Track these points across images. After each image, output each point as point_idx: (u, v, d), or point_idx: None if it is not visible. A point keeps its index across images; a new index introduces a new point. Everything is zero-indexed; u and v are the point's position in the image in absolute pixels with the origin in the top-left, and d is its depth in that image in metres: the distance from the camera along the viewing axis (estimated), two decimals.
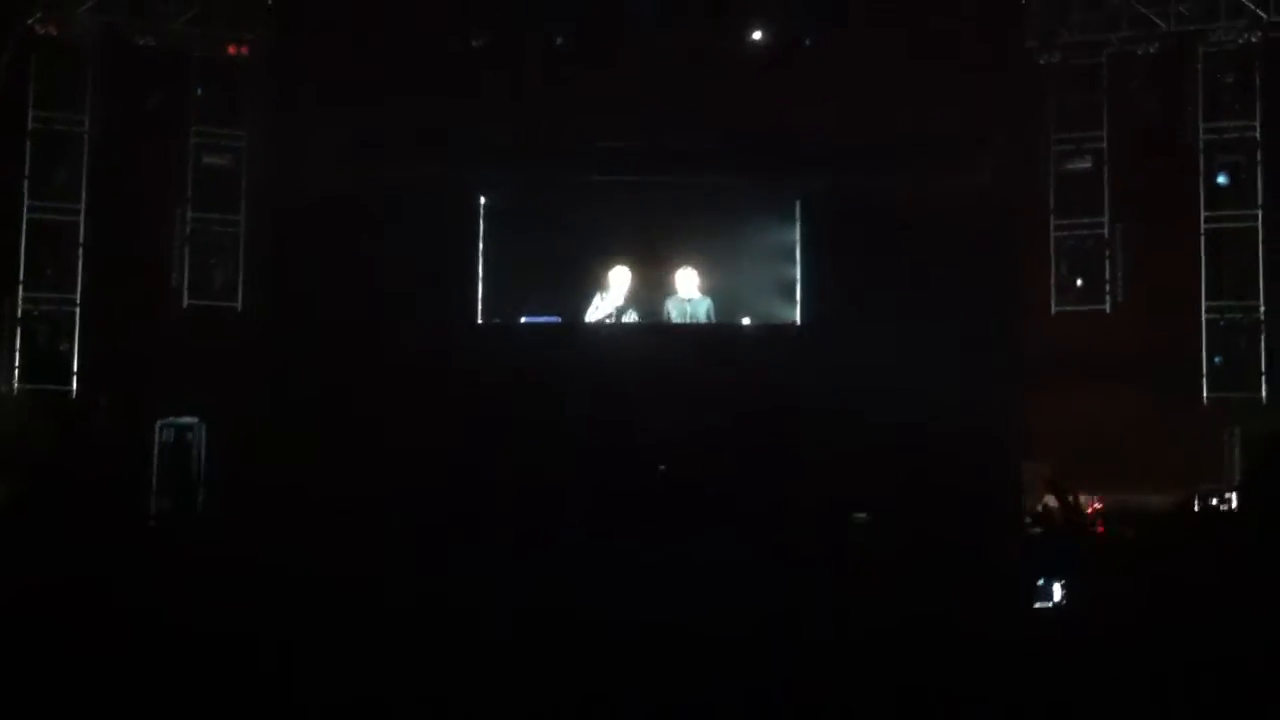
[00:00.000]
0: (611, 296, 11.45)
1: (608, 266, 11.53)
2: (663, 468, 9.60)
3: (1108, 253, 12.41)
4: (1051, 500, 8.23)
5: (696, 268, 11.63)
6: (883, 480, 10.09)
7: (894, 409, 10.61)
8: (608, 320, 11.38)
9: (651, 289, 11.66)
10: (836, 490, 9.74)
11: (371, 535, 7.82)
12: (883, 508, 9.53)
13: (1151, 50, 12.40)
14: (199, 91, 12.23)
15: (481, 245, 12.18)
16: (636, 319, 11.45)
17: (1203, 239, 12.06)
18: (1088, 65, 12.64)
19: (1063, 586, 6.78)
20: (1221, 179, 12.00)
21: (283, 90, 12.22)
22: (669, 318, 11.55)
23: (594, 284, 11.55)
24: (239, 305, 12.14)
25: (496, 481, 9.91)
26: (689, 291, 11.57)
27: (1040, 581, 6.95)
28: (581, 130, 12.28)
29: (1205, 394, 11.79)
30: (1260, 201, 11.97)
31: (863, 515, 9.59)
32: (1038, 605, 6.80)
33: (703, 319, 11.55)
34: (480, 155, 12.18)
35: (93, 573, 5.95)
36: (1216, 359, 11.91)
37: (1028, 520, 9.42)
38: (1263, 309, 11.89)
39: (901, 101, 12.17)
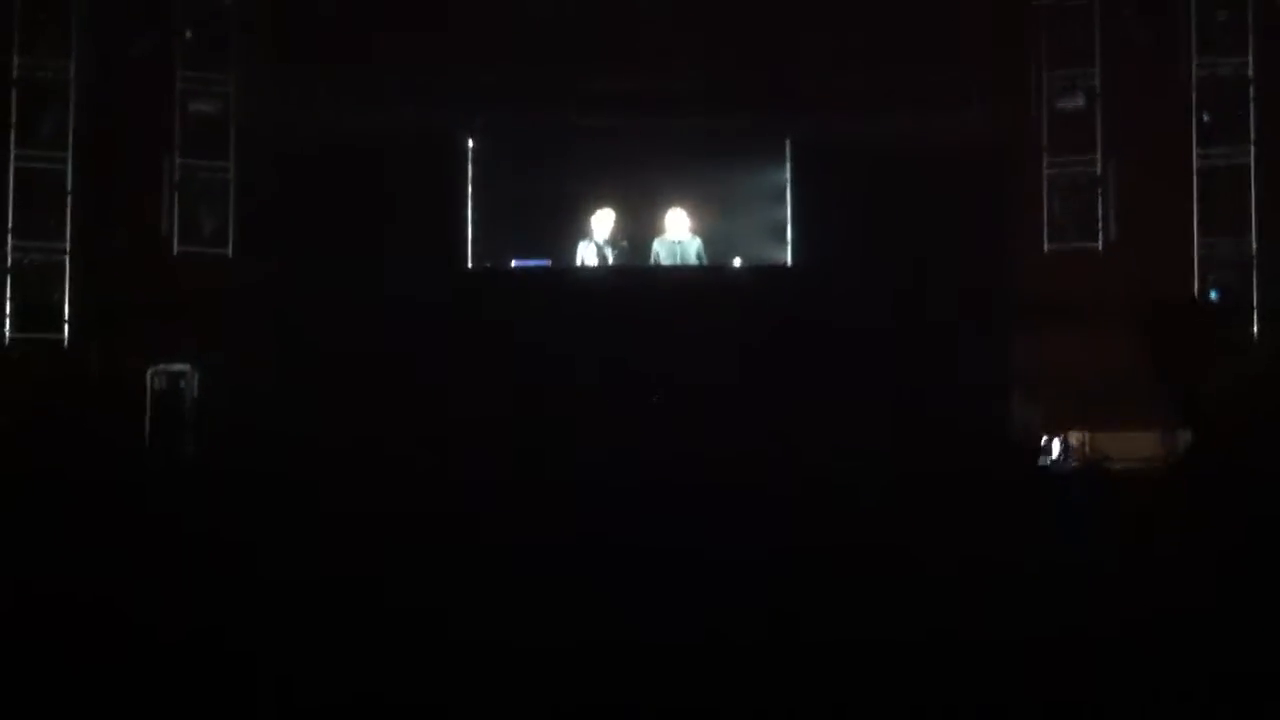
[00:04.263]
0: (595, 239, 11.43)
1: (594, 210, 11.51)
2: (655, 399, 9.62)
3: (1100, 190, 12.37)
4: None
5: (686, 208, 11.60)
6: (875, 421, 10.12)
7: (886, 350, 10.63)
8: (596, 263, 11.37)
9: (641, 230, 11.61)
10: (827, 431, 9.75)
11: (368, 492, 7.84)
12: (875, 450, 9.54)
13: None
14: (186, 35, 12.11)
15: (470, 189, 12.16)
16: (615, 257, 11.40)
17: (1195, 175, 12.00)
18: (1080, 1, 12.54)
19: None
20: (1205, 117, 11.92)
21: (268, 34, 12.13)
22: (658, 259, 11.49)
23: (583, 227, 11.53)
24: (229, 251, 12.09)
25: (492, 426, 9.94)
26: (679, 232, 11.50)
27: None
28: (568, 72, 12.20)
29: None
30: (1254, 137, 11.91)
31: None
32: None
33: (693, 259, 11.46)
34: (467, 98, 12.10)
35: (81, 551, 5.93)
36: (1210, 295, 11.88)
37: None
38: (1255, 245, 11.86)
39: (892, 40, 12.08)
